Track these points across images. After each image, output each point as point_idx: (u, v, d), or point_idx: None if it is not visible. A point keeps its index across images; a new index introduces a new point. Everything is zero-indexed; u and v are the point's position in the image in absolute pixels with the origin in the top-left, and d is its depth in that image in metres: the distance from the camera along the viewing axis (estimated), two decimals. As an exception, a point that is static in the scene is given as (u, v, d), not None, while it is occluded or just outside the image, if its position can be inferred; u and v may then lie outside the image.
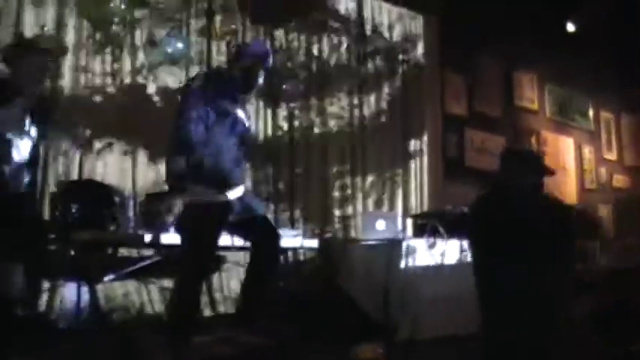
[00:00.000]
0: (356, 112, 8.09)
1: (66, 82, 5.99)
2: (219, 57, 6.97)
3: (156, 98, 6.52)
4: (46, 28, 5.78)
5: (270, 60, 4.66)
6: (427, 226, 6.47)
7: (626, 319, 5.42)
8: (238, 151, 4.45)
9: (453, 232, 6.50)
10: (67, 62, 5.97)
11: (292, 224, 7.05)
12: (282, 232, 5.03)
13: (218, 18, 6.98)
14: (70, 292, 5.33)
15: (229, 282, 6.59)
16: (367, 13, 8.33)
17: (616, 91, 12.69)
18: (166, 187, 4.40)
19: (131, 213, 5.69)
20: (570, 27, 10.11)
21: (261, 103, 7.31)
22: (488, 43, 9.79)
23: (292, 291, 6.27)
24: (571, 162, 11.55)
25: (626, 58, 11.10)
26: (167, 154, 4.28)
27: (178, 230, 4.42)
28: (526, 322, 4.07)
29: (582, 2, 9.13)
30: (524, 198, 4.39)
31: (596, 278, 8.10)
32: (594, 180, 11.99)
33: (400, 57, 8.60)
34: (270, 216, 6.20)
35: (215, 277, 6.53)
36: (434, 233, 6.43)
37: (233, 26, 7.01)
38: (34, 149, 4.41)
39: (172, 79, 6.55)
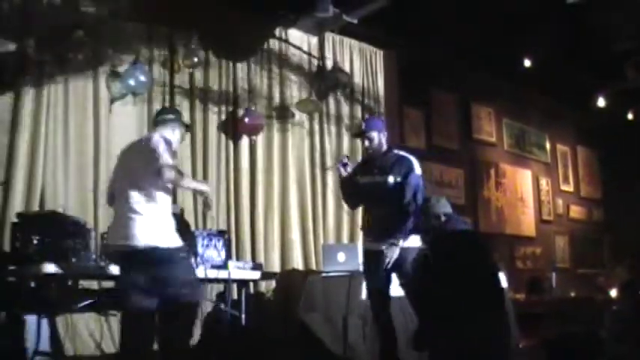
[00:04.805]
0: (317, 144, 8.19)
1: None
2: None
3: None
4: None
5: (366, 127, 5.45)
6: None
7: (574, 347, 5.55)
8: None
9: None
10: None
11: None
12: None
13: (180, 51, 7.07)
14: (30, 325, 5.29)
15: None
16: (328, 47, 8.45)
17: (572, 124, 13.01)
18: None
19: (92, 244, 5.67)
20: (527, 62, 10.31)
21: (222, 137, 7.38)
22: (445, 77, 10.01)
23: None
24: (529, 193, 11.75)
25: (581, 92, 11.36)
26: None
27: None
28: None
29: (537, 38, 9.31)
30: None
31: (548, 308, 8.24)
32: (551, 211, 12.21)
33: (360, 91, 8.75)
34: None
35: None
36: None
37: (195, 59, 7.08)
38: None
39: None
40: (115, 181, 4.78)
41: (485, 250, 4.69)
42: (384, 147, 5.39)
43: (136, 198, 4.46)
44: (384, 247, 5.04)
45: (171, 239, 4.51)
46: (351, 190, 5.49)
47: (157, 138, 4.52)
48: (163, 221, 4.54)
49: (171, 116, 4.91)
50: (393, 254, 4.99)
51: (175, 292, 4.40)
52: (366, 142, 5.39)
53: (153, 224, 4.45)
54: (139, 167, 4.50)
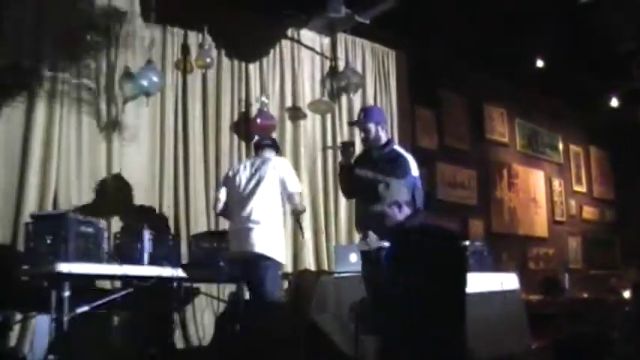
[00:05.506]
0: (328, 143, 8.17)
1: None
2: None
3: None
4: None
5: (364, 118, 5.27)
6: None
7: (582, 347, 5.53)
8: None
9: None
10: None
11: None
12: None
13: (193, 51, 7.09)
14: (42, 325, 5.30)
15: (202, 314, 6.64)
16: (340, 48, 8.45)
17: (584, 125, 12.96)
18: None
19: (105, 245, 5.68)
20: (539, 63, 10.27)
21: (235, 137, 7.39)
22: (456, 78, 9.99)
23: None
24: (541, 194, 11.73)
25: (593, 92, 11.32)
26: None
27: None
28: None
29: (548, 39, 9.28)
30: None
31: (560, 309, 8.20)
32: (564, 212, 12.17)
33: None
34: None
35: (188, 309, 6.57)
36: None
37: (208, 59, 7.09)
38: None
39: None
40: (234, 192, 5.59)
41: (447, 246, 4.42)
42: (383, 140, 5.19)
43: (267, 212, 5.41)
44: (368, 245, 4.84)
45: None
46: (347, 179, 5.34)
47: (288, 166, 5.67)
48: (281, 235, 5.64)
49: (269, 142, 5.95)
50: (373, 245, 4.76)
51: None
52: (362, 134, 5.23)
53: (277, 236, 5.50)
54: (271, 186, 5.46)
